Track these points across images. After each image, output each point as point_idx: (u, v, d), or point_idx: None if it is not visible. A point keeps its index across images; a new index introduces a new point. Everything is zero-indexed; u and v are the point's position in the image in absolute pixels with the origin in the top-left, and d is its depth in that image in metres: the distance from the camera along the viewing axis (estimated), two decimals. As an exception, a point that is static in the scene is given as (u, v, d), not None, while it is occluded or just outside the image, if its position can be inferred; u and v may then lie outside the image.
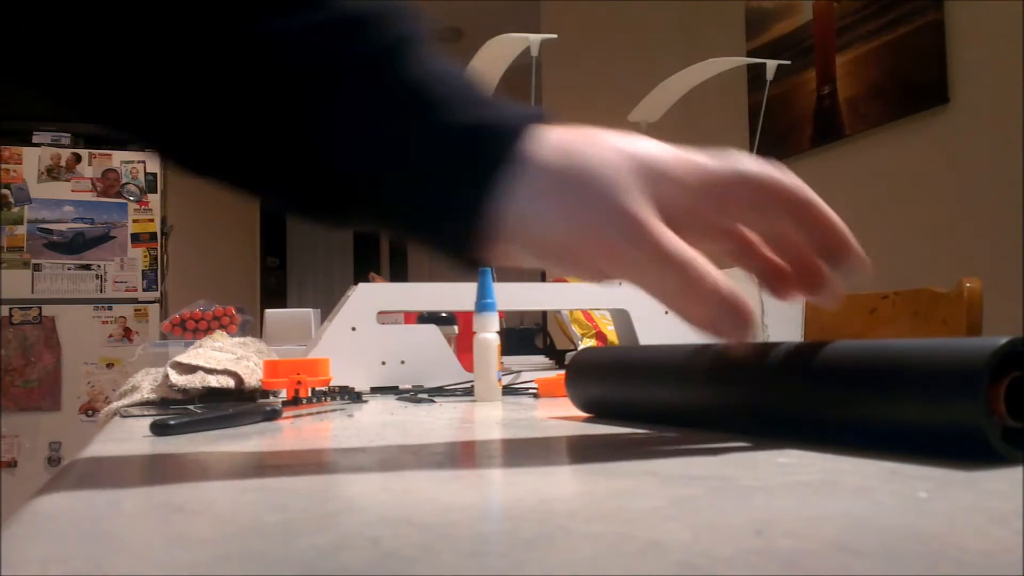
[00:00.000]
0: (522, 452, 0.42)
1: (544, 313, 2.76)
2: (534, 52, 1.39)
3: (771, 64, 1.55)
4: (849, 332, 1.53)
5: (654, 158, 0.37)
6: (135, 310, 3.13)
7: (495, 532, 0.24)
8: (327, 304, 1.14)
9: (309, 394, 0.72)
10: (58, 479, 0.36)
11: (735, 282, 0.37)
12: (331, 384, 0.77)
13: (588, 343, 1.32)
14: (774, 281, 0.42)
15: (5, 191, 3.04)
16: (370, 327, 0.94)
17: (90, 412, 2.99)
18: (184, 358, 0.74)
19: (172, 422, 0.51)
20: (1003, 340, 0.33)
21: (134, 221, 3.17)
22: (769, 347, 0.43)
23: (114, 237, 3.14)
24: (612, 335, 1.27)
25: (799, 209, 0.38)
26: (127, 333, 3.09)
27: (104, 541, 0.24)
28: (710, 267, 0.36)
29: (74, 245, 3.09)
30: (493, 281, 0.81)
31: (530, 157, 0.36)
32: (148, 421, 0.52)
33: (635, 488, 0.30)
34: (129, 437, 0.50)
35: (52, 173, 3.09)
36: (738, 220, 0.40)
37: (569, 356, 1.24)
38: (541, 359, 1.25)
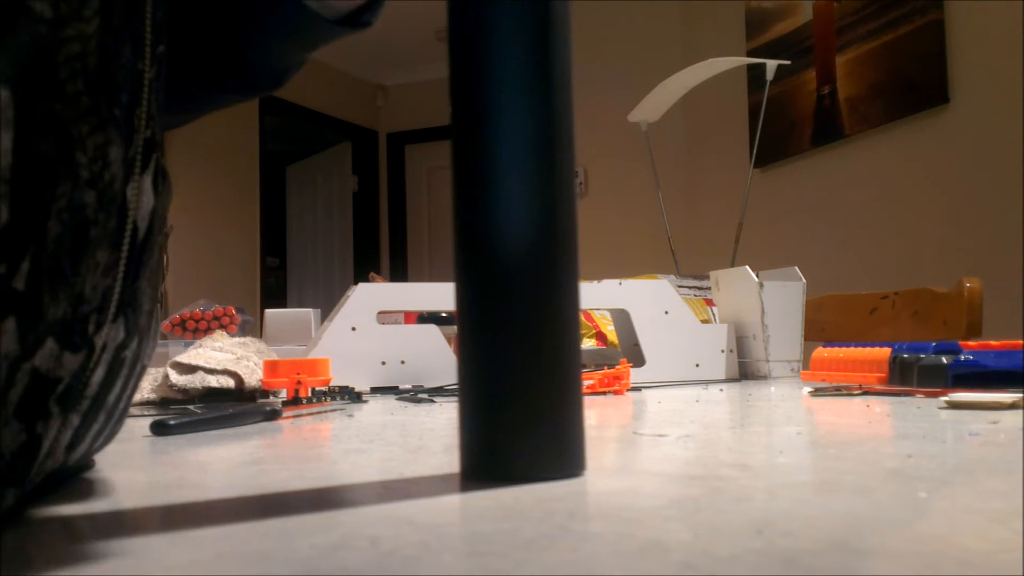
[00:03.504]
0: (522, 452, 0.42)
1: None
2: (534, 52, 1.39)
3: (771, 64, 1.55)
4: (849, 332, 1.53)
5: None
6: (135, 310, 3.12)
7: (495, 532, 0.24)
8: (327, 304, 1.14)
9: (309, 394, 0.72)
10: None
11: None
12: (331, 384, 0.77)
13: (588, 343, 1.31)
14: None
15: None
16: (370, 327, 0.94)
17: (90, 412, 2.98)
18: (184, 358, 0.74)
19: (172, 422, 0.51)
20: None
21: (134, 221, 3.16)
22: None
23: (114, 237, 3.13)
24: (612, 335, 1.27)
25: None
26: (127, 333, 3.09)
27: (104, 541, 0.24)
28: None
29: (74, 245, 3.09)
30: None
31: None
32: (148, 421, 0.52)
33: (635, 488, 0.30)
34: (129, 437, 0.50)
35: (52, 173, 3.09)
36: None
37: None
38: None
